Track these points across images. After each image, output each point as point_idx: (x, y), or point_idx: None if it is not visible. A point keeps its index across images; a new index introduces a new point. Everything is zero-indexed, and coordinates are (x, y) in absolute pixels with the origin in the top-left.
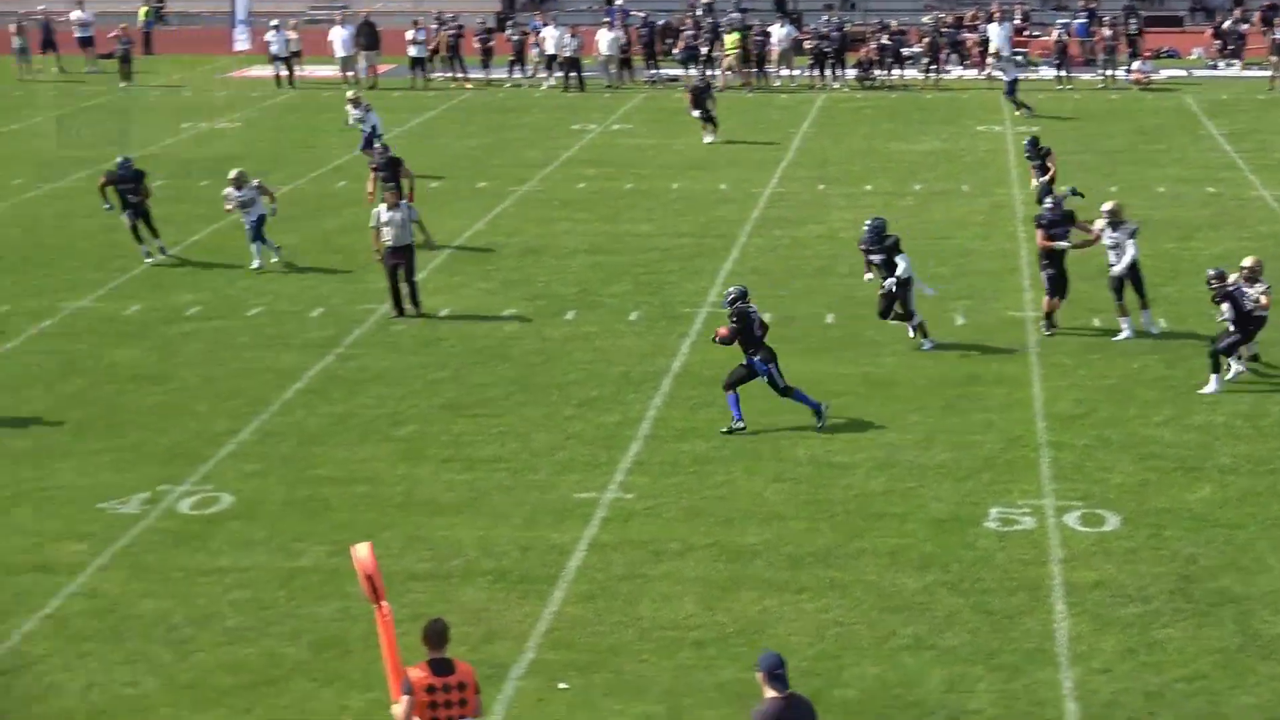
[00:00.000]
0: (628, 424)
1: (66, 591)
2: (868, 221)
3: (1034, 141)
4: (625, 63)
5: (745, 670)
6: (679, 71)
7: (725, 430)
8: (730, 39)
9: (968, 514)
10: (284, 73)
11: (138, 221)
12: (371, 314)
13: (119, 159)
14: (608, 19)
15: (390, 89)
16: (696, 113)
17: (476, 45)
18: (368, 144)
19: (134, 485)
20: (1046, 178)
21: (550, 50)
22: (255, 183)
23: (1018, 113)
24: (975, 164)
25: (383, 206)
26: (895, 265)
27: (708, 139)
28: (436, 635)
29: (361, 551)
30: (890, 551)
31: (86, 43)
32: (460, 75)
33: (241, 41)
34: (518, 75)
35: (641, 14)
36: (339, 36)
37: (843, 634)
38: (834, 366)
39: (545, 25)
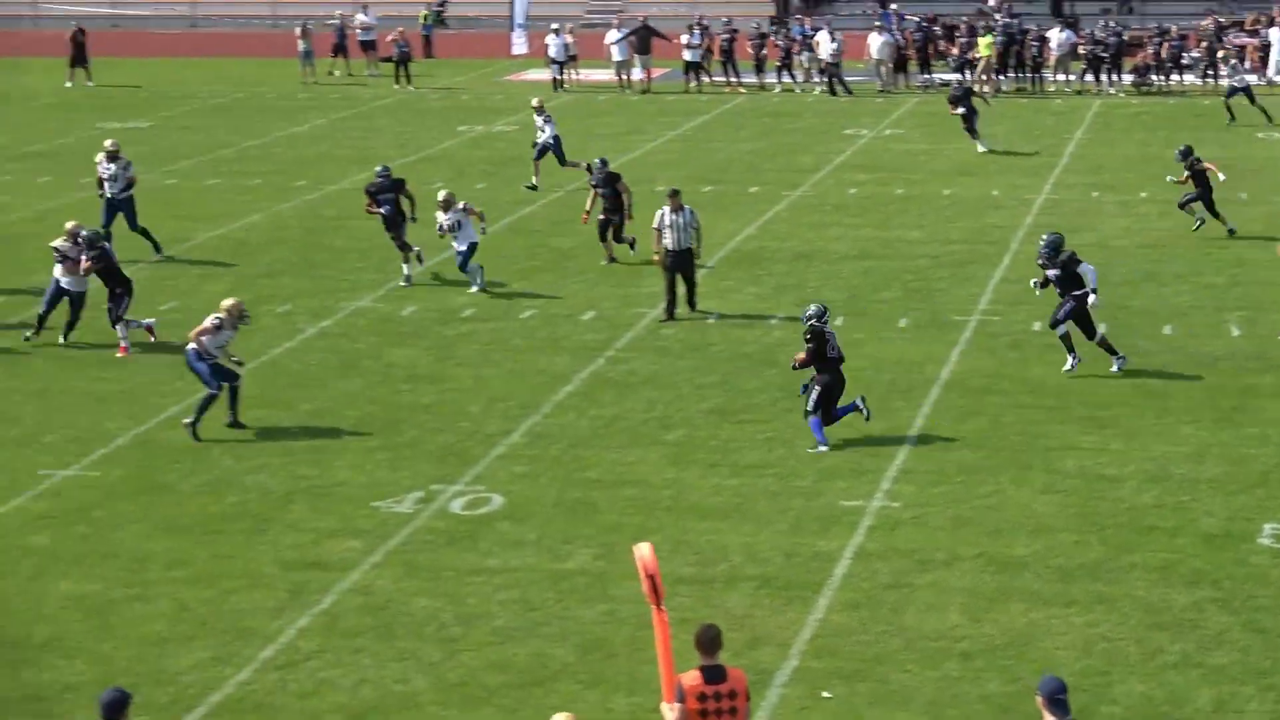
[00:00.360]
0: (895, 431)
1: (340, 588)
2: (1044, 236)
3: None
4: (900, 67)
5: (1011, 683)
6: (953, 76)
7: (811, 449)
8: (984, 42)
9: (1240, 530)
10: (560, 76)
11: (394, 233)
12: (642, 318)
13: (378, 168)
14: (880, 23)
15: (664, 93)
16: (959, 110)
17: (750, 49)
18: (542, 153)
19: (408, 484)
20: None
21: (823, 55)
22: (462, 205)
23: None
24: (1253, 171)
25: (666, 209)
26: (1078, 280)
27: (980, 148)
28: (710, 641)
29: (644, 551)
30: (1160, 566)
31: (369, 46)
32: (734, 80)
33: (519, 45)
34: (788, 80)
35: (916, 18)
36: (614, 40)
37: (1110, 649)
38: (1106, 375)
39: (818, 30)
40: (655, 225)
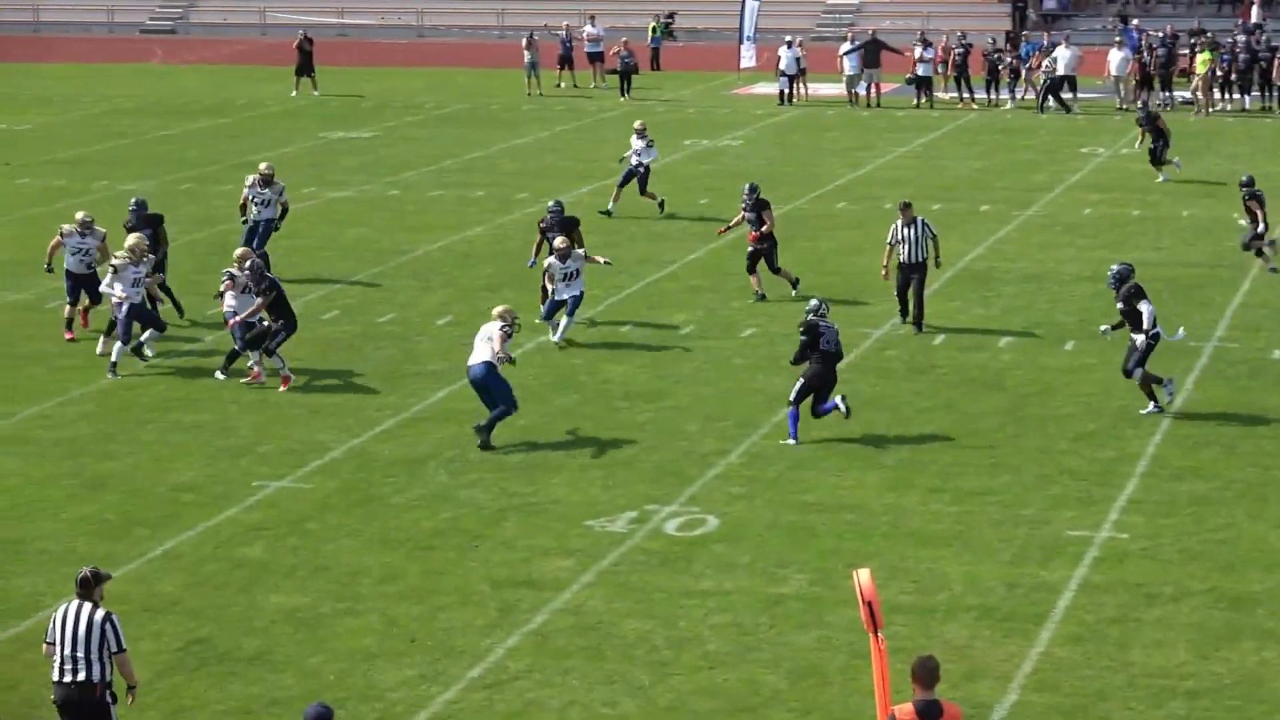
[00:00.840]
0: (1125, 460)
1: (551, 607)
2: (1113, 267)
3: None
4: (1143, 84)
5: None
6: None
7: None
8: (1201, 59)
9: None
10: (789, 90)
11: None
12: (865, 338)
13: (551, 204)
14: (1120, 38)
15: (893, 108)
16: (1148, 132)
17: (983, 64)
18: (629, 177)
19: (622, 503)
20: None
21: (1061, 71)
22: (582, 252)
23: None
24: None
25: (898, 222)
26: (1139, 315)
27: (1159, 178)
28: (928, 674)
29: (863, 578)
30: None
31: (596, 58)
32: (966, 95)
33: (748, 58)
34: (1021, 96)
35: (1159, 33)
36: (846, 51)
37: None
38: None
39: (1055, 45)
40: (889, 240)
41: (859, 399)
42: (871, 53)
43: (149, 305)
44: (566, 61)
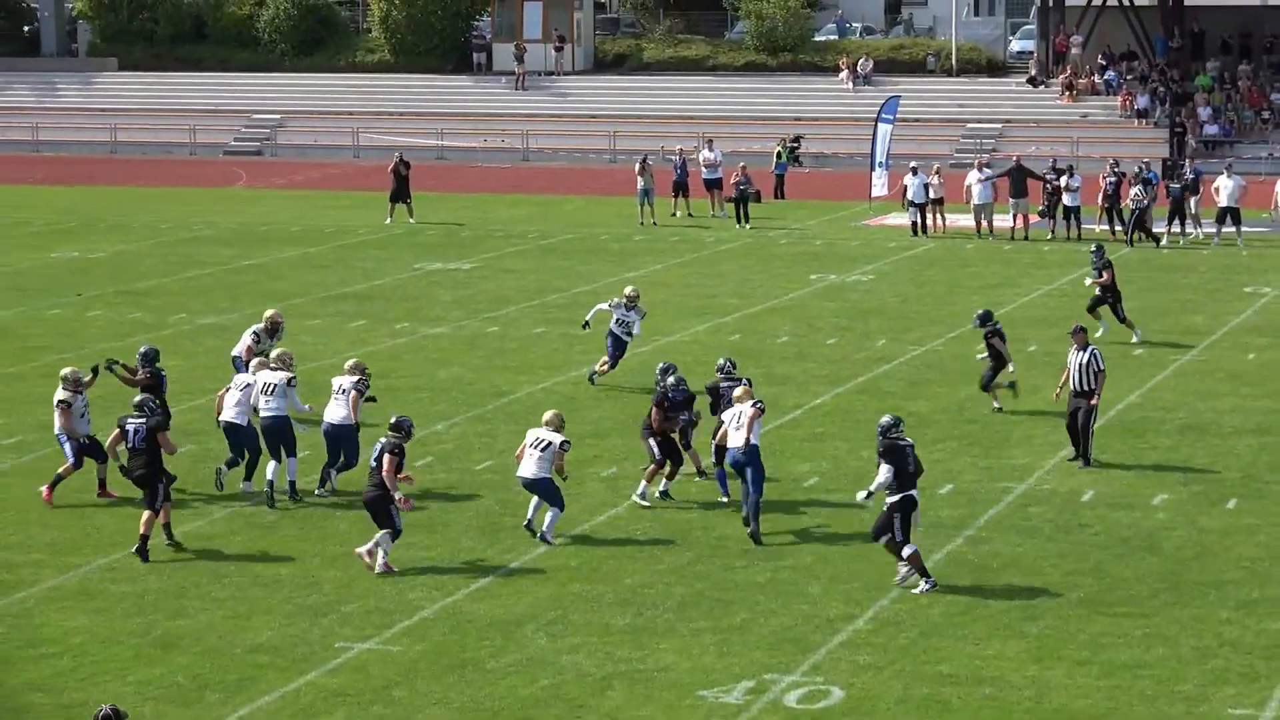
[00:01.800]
0: None
1: None
2: None
3: None
4: None
5: None
6: None
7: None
8: None
9: None
10: (922, 220)
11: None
12: (1007, 493)
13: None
14: None
15: (1039, 241)
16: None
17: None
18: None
19: (738, 672)
20: None
21: (1222, 202)
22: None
23: None
24: None
25: (1073, 347)
26: None
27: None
28: None
29: None
30: None
31: (713, 185)
32: (1117, 228)
33: (880, 186)
34: (1176, 229)
35: None
36: (976, 181)
37: None
38: None
39: (1217, 173)
40: (1067, 363)
41: (999, 560)
42: (1016, 181)
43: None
44: (681, 188)
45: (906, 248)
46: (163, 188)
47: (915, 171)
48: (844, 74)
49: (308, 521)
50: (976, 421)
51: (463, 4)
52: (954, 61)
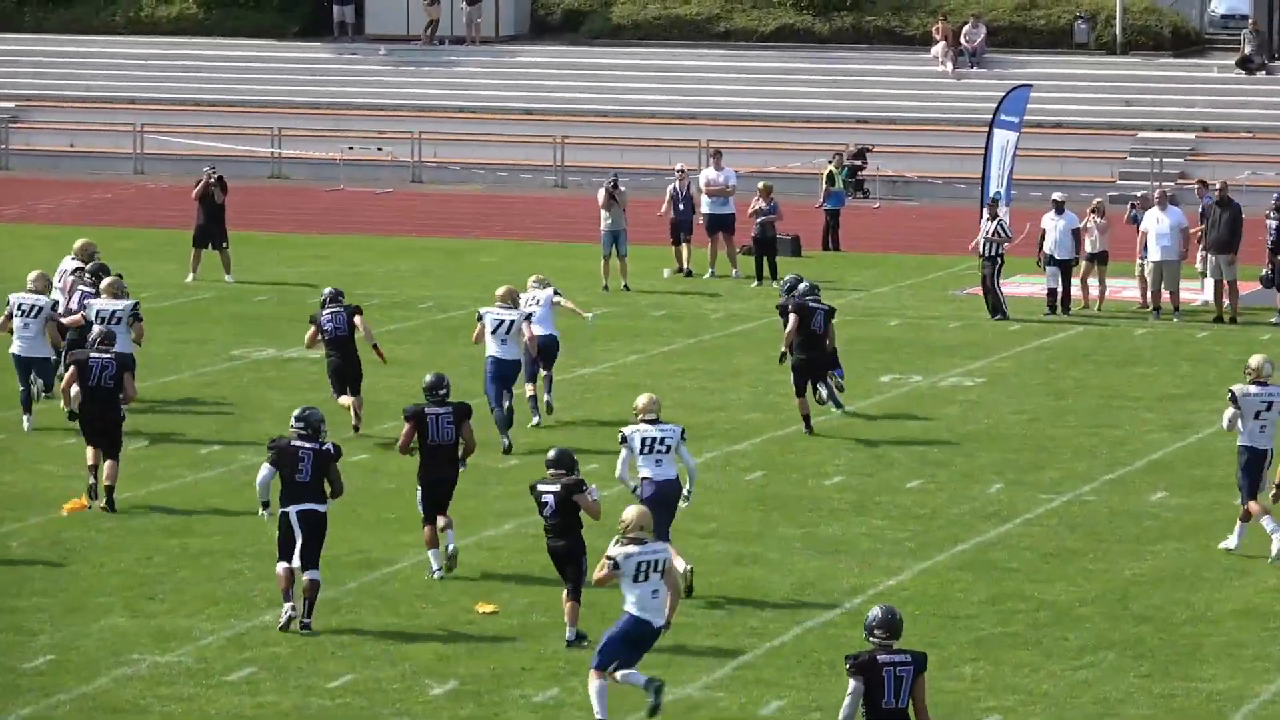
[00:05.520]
0: None
1: None
2: None
3: None
4: None
5: None
6: None
7: None
8: None
9: None
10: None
11: None
12: None
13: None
14: None
15: (1258, 323)
16: None
17: None
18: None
19: None
20: None
21: None
22: None
23: None
24: None
25: None
26: None
27: None
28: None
29: None
30: None
31: (721, 223)
32: None
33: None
34: None
35: None
36: (1155, 227)
37: None
38: None
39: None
40: None
41: None
42: (1222, 226)
43: None
44: (682, 231)
45: (1038, 332)
46: None
47: (1058, 209)
48: (938, 48)
49: None
50: (1150, 619)
51: None
52: (1118, 32)
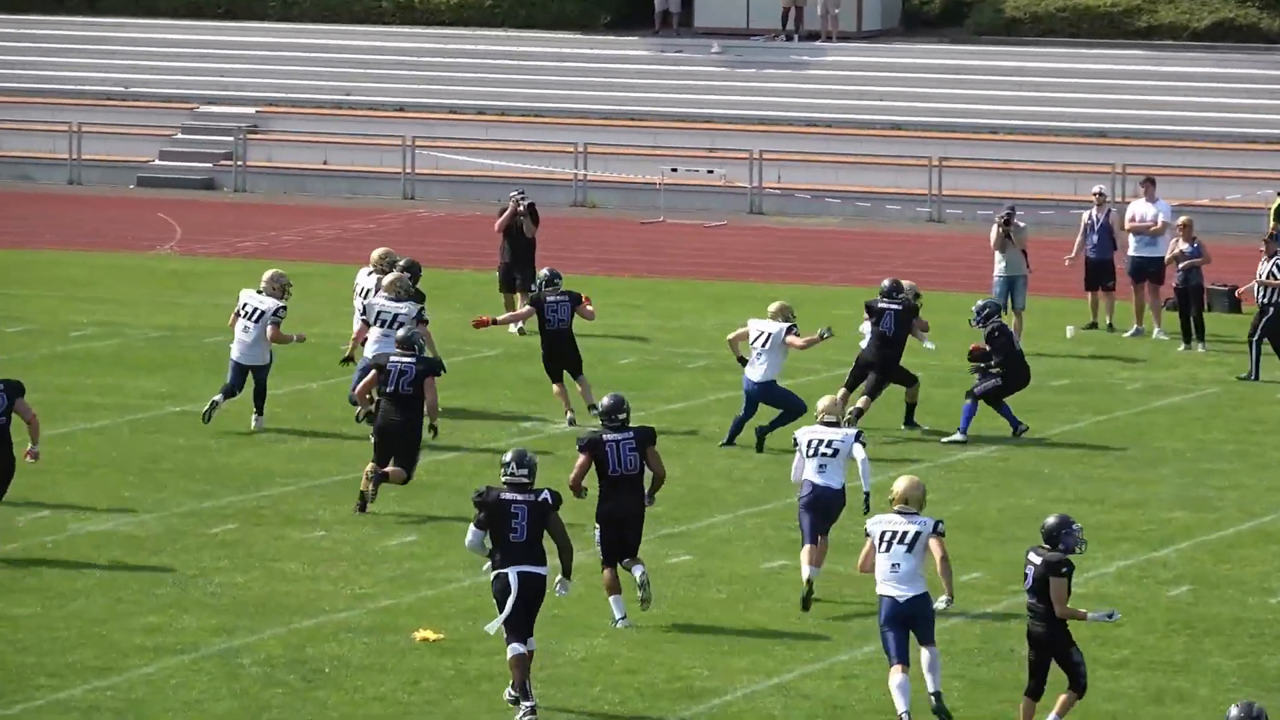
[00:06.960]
0: None
1: None
2: None
3: None
4: None
5: None
6: None
7: None
8: None
9: None
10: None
11: None
12: None
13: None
14: None
15: None
16: None
17: None
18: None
19: None
20: None
21: None
22: None
23: None
24: None
25: None
26: None
27: None
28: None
29: None
30: None
31: (1146, 268)
32: None
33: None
34: None
35: None
36: None
37: None
38: None
39: None
40: None
41: None
42: None
43: None
44: (1101, 274)
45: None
46: None
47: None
48: None
49: None
50: None
51: None
52: None
